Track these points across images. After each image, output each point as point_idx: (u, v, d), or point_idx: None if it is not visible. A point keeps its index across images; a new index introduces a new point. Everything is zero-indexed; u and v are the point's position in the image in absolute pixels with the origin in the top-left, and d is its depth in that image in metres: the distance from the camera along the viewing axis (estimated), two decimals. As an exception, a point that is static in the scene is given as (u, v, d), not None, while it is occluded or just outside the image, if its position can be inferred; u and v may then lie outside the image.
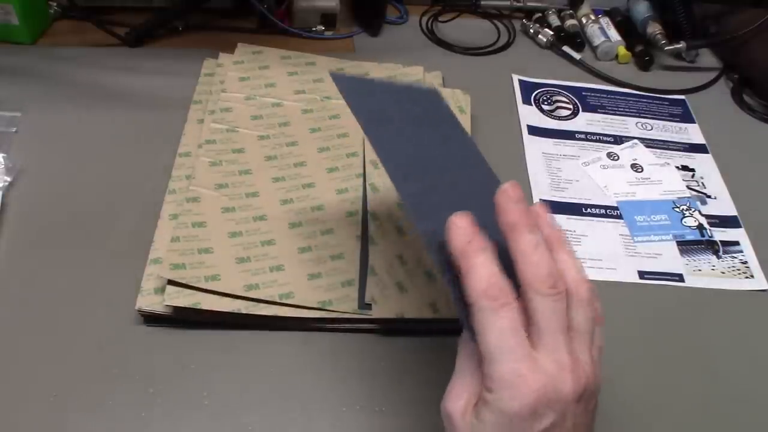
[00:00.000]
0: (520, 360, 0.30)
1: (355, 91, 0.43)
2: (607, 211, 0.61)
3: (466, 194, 0.39)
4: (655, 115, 0.72)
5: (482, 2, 0.81)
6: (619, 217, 0.61)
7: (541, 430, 0.30)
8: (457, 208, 0.33)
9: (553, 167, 0.64)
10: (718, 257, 0.58)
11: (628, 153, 0.67)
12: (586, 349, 0.32)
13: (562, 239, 0.34)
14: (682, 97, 0.75)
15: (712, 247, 0.59)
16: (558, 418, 0.30)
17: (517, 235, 0.32)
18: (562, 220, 0.60)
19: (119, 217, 0.54)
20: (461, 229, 0.32)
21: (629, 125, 0.70)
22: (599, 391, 0.33)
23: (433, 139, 0.43)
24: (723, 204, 0.63)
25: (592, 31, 0.79)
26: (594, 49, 0.79)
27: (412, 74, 0.68)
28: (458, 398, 0.32)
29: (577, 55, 0.77)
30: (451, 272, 0.32)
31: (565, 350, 0.31)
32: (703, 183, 0.65)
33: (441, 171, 0.40)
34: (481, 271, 0.31)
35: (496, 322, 0.30)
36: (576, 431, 0.31)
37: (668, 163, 0.66)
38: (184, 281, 0.47)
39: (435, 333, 0.49)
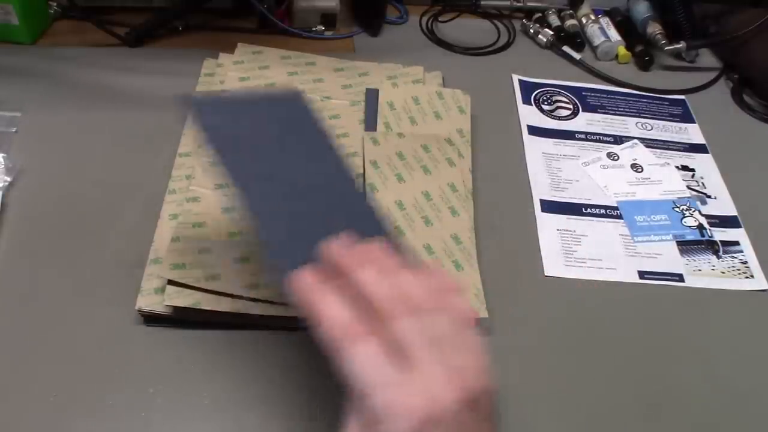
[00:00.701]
0: (395, 385, 0.30)
1: (210, 115, 0.41)
2: (607, 211, 0.61)
3: (325, 213, 0.38)
4: (655, 115, 0.72)
5: (482, 2, 0.81)
6: (619, 217, 0.61)
7: None
8: (313, 235, 0.34)
9: (553, 167, 0.64)
10: (718, 257, 0.58)
11: (628, 153, 0.67)
12: (459, 355, 0.32)
13: (396, 263, 0.34)
14: (682, 97, 0.75)
15: (712, 247, 0.59)
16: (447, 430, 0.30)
17: (353, 276, 0.33)
18: (562, 220, 0.60)
19: (119, 217, 0.54)
20: (301, 282, 0.33)
21: (629, 125, 0.70)
22: (491, 393, 0.32)
23: (299, 153, 0.42)
24: (723, 204, 0.63)
25: (592, 31, 0.79)
26: (594, 49, 0.79)
27: (412, 74, 0.68)
28: None
29: (577, 55, 0.77)
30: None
31: (437, 363, 0.31)
32: (703, 183, 0.65)
33: (298, 194, 0.39)
34: (329, 314, 0.32)
35: (359, 358, 0.30)
36: None
37: (668, 163, 0.66)
38: (184, 281, 0.47)
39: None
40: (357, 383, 0.30)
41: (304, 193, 0.39)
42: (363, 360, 0.30)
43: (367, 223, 0.37)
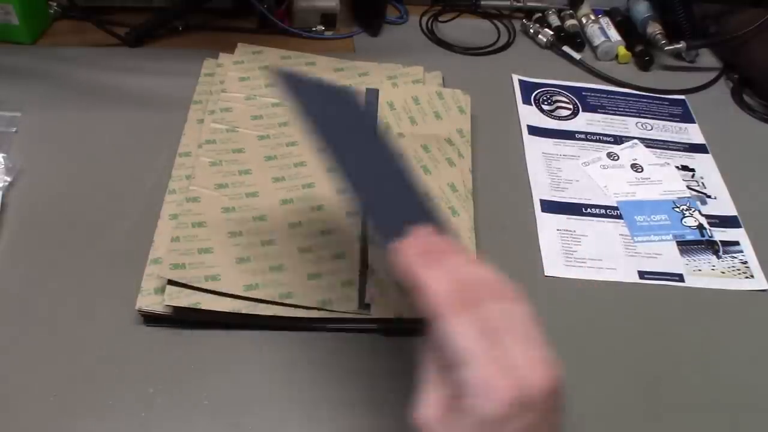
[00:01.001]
0: (490, 362, 0.30)
1: (300, 92, 0.43)
2: (607, 211, 0.61)
3: (403, 202, 0.39)
4: (655, 115, 0.72)
5: (482, 2, 0.81)
6: (619, 217, 0.61)
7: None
8: (400, 218, 0.35)
9: (553, 167, 0.64)
10: (718, 257, 0.58)
11: (628, 153, 0.67)
12: (539, 346, 0.32)
13: (476, 259, 0.36)
14: (682, 97, 0.75)
15: (712, 247, 0.59)
16: (532, 419, 0.30)
17: (443, 259, 0.33)
18: (562, 220, 0.60)
19: (119, 217, 0.54)
20: (404, 252, 0.33)
21: (629, 125, 0.70)
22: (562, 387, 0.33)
23: (368, 145, 0.43)
24: (723, 204, 0.63)
25: (592, 31, 0.79)
26: (594, 49, 0.79)
27: (412, 74, 0.68)
28: (428, 406, 0.32)
29: (577, 55, 0.77)
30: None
31: (524, 348, 0.31)
32: (703, 183, 0.65)
33: (380, 178, 0.40)
34: (434, 283, 0.32)
35: (461, 328, 0.30)
36: (551, 428, 0.31)
37: (668, 163, 0.66)
38: (184, 281, 0.47)
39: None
40: (453, 353, 0.30)
41: (380, 175, 0.40)
42: (463, 331, 0.30)
43: (433, 219, 0.38)
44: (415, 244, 0.34)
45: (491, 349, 0.30)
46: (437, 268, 0.33)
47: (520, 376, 0.30)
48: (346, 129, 0.43)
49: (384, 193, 0.39)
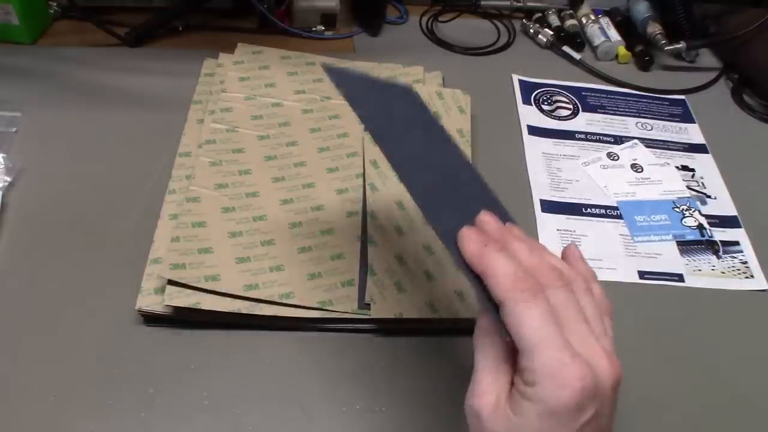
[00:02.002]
0: (561, 348, 0.29)
1: (350, 84, 0.42)
2: (607, 211, 0.61)
3: (465, 193, 0.39)
4: (655, 115, 0.72)
5: (482, 2, 0.81)
6: (619, 217, 0.61)
7: (585, 422, 0.29)
8: (462, 208, 0.34)
9: (553, 167, 0.64)
10: (718, 257, 0.58)
11: (628, 153, 0.67)
12: (604, 337, 0.32)
13: (542, 246, 0.35)
14: (682, 97, 0.75)
15: (712, 247, 0.59)
16: (599, 408, 0.29)
17: (510, 246, 0.33)
18: (561, 220, 0.60)
19: (119, 217, 0.54)
20: (472, 238, 0.33)
21: (629, 125, 0.70)
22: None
23: (424, 137, 0.42)
24: (723, 204, 0.63)
25: (592, 31, 0.79)
26: (594, 49, 0.79)
27: (412, 74, 0.68)
28: (486, 394, 0.31)
29: (577, 55, 0.77)
30: (471, 273, 0.33)
31: (592, 337, 0.31)
32: (703, 183, 0.65)
33: (440, 170, 0.40)
34: (503, 268, 0.31)
35: (531, 313, 0.30)
36: (609, 420, 0.31)
37: (668, 163, 0.66)
38: (184, 281, 0.47)
39: (434, 333, 0.49)
40: (522, 339, 0.30)
41: (438, 169, 0.40)
42: (535, 315, 0.30)
43: (496, 208, 0.38)
44: (479, 231, 0.34)
45: (561, 335, 0.30)
46: (504, 253, 0.32)
47: (591, 363, 0.29)
48: (403, 121, 0.42)
49: (446, 183, 0.39)
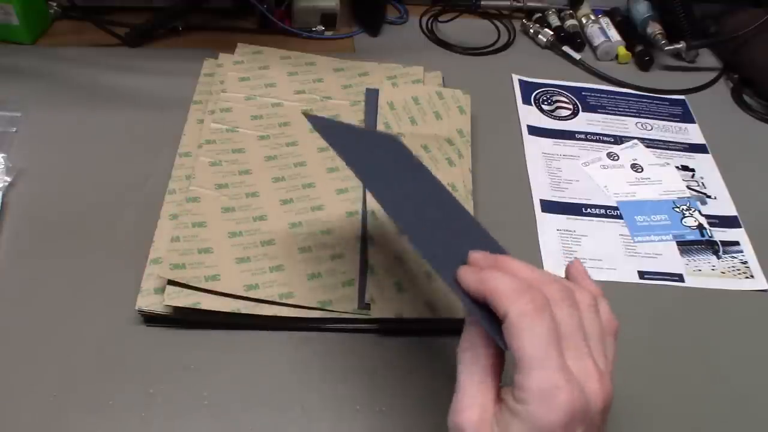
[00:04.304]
0: (558, 369, 0.29)
1: (333, 133, 0.43)
2: (607, 211, 0.61)
3: (459, 232, 0.39)
4: (655, 115, 0.72)
5: (482, 2, 0.81)
6: (619, 217, 0.61)
7: None
8: (459, 247, 0.35)
9: (553, 167, 0.64)
10: (718, 257, 0.58)
11: (628, 153, 0.67)
12: (602, 357, 0.32)
13: (600, 293, 0.35)
14: (682, 97, 0.75)
15: (712, 247, 0.59)
16: (586, 430, 0.29)
17: (507, 268, 0.33)
18: (562, 220, 0.60)
19: (119, 217, 0.54)
20: (469, 271, 0.33)
21: (629, 125, 0.70)
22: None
23: (413, 181, 0.42)
24: (723, 204, 0.63)
25: (592, 31, 0.79)
26: (594, 49, 0.79)
27: (412, 74, 0.68)
28: (469, 409, 0.31)
29: (577, 55, 0.77)
30: (476, 304, 0.32)
31: (589, 359, 0.30)
32: (703, 183, 0.65)
33: (433, 211, 0.40)
34: (506, 284, 0.31)
35: (534, 328, 0.29)
36: None
37: (668, 163, 0.66)
38: (184, 281, 0.47)
39: (434, 333, 0.49)
40: (525, 354, 0.29)
41: (430, 210, 0.40)
42: (538, 332, 0.29)
43: (488, 244, 0.38)
44: (475, 265, 0.34)
45: (560, 355, 0.29)
46: (504, 272, 0.32)
47: (583, 387, 0.29)
48: (391, 166, 0.43)
49: (441, 223, 0.39)
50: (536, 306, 0.30)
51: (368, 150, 0.43)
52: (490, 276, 0.31)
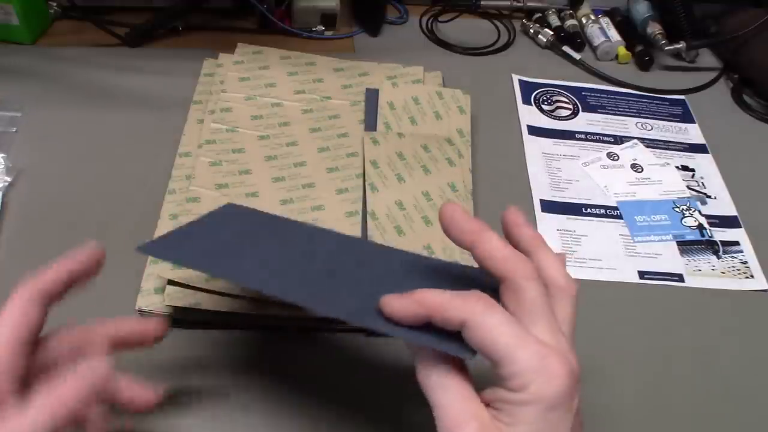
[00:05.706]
0: (536, 343, 0.28)
1: (173, 248, 0.40)
2: (607, 211, 0.61)
3: (367, 267, 0.37)
4: (655, 115, 0.72)
5: (482, 2, 0.81)
6: (619, 217, 0.61)
7: (576, 408, 0.28)
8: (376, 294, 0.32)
9: (553, 167, 0.64)
10: (718, 257, 0.58)
11: (628, 153, 0.67)
12: (569, 339, 0.31)
13: (541, 239, 0.34)
14: (682, 97, 0.75)
15: (712, 247, 0.59)
16: (578, 398, 0.29)
17: (484, 237, 0.32)
18: (562, 220, 0.60)
19: (119, 217, 0.54)
20: (396, 300, 0.31)
21: (629, 125, 0.70)
22: None
23: (279, 240, 0.41)
24: (723, 204, 0.63)
25: (592, 31, 0.79)
26: (594, 49, 0.79)
27: (412, 74, 0.68)
28: (464, 424, 0.29)
29: (577, 55, 0.77)
30: (408, 327, 0.31)
31: (560, 333, 0.30)
32: (703, 183, 0.65)
33: (317, 262, 0.38)
34: (446, 297, 0.30)
35: (494, 320, 0.29)
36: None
37: (668, 163, 0.66)
38: (184, 281, 0.47)
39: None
40: (495, 351, 0.28)
41: (313, 262, 0.38)
42: (497, 324, 0.29)
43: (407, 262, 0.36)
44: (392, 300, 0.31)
45: (529, 333, 0.29)
46: (432, 290, 0.30)
47: (567, 356, 0.29)
48: (239, 239, 0.40)
49: (338, 270, 0.37)
50: (486, 302, 0.29)
51: (209, 238, 0.41)
52: (425, 294, 0.30)
